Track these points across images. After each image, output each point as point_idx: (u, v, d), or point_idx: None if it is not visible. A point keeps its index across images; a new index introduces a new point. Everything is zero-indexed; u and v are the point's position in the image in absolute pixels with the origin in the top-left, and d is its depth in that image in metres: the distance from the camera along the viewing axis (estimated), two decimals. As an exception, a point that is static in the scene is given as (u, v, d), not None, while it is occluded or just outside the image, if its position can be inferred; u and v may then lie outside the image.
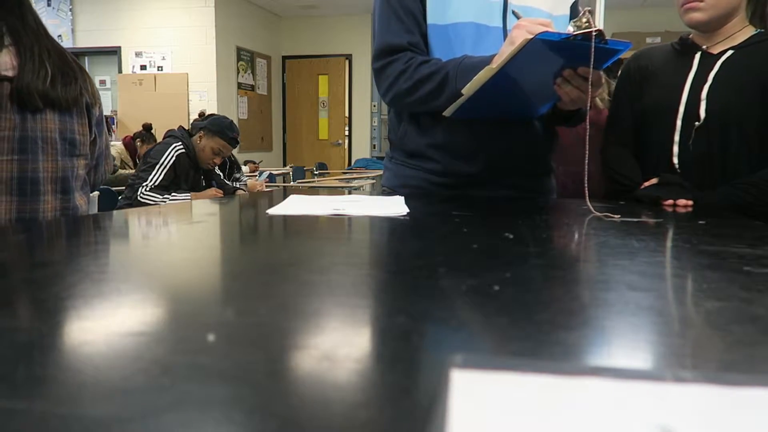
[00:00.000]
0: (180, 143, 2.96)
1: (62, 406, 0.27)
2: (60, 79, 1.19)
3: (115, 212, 1.18)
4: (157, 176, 2.86)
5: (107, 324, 0.40)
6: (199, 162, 3.06)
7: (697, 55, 1.37)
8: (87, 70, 1.33)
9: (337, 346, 0.36)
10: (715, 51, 1.35)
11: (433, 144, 1.35)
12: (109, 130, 3.59)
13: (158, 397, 0.28)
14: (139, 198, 2.83)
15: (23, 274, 0.57)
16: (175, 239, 0.85)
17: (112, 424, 0.25)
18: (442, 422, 0.21)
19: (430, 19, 1.32)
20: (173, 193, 2.88)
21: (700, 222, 0.91)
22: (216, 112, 5.10)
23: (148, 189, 2.84)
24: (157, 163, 2.88)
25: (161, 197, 2.85)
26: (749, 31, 1.34)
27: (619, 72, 1.63)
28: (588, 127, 1.07)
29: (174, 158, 2.91)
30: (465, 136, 1.32)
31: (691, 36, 1.43)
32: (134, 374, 0.31)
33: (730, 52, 1.33)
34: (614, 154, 1.49)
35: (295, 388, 0.30)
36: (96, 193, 2.88)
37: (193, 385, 0.29)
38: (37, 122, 1.16)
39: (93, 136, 1.32)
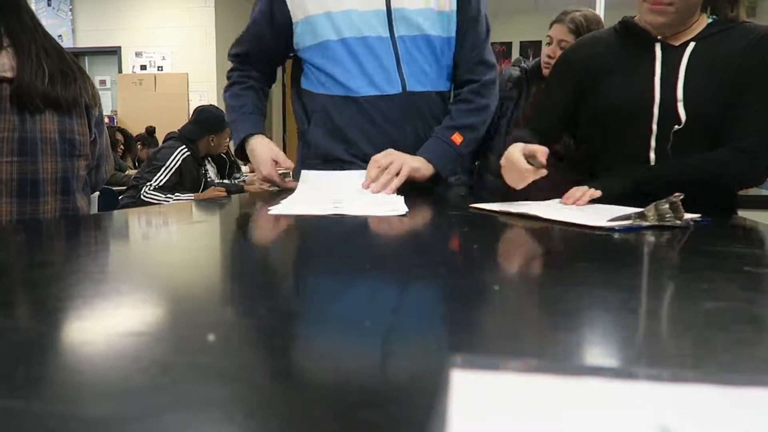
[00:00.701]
0: (185, 146, 3.01)
1: (62, 406, 0.27)
2: (59, 80, 1.19)
3: (115, 212, 1.18)
4: (162, 177, 2.90)
5: (107, 324, 0.40)
6: (212, 152, 3.21)
7: (658, 48, 1.24)
8: (87, 70, 1.33)
9: (337, 346, 0.36)
10: (676, 43, 1.23)
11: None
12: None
13: (158, 397, 0.28)
14: (142, 197, 2.86)
15: (23, 274, 0.57)
16: (175, 239, 0.85)
17: (112, 424, 0.25)
18: (442, 422, 0.21)
19: (326, 35, 1.37)
20: (177, 194, 2.91)
21: (701, 222, 0.91)
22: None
23: (151, 188, 2.87)
24: (162, 166, 2.92)
25: (164, 196, 2.87)
26: (704, 20, 1.23)
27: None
28: None
29: (180, 161, 2.96)
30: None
31: (636, 18, 1.28)
32: (134, 374, 0.31)
33: (692, 44, 1.21)
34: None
35: (295, 388, 0.30)
36: (96, 192, 2.89)
37: (193, 385, 0.29)
38: (36, 123, 1.16)
39: (93, 136, 1.32)
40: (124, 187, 3.63)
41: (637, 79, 1.25)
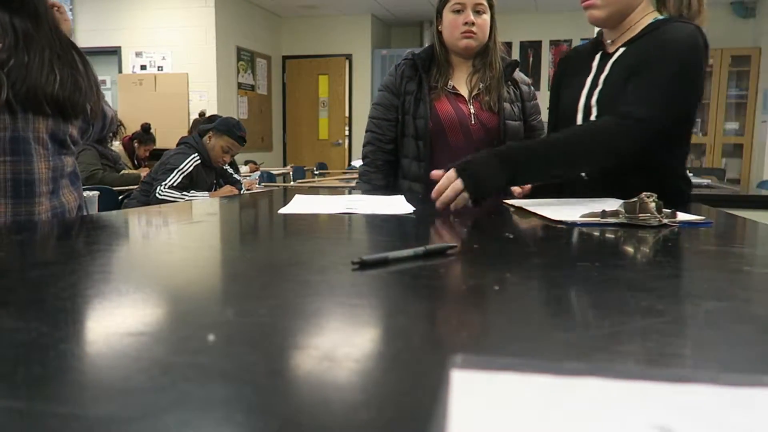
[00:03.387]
0: (196, 154, 3.06)
1: (62, 406, 0.27)
2: (69, 87, 1.15)
3: (115, 212, 1.18)
4: (175, 178, 2.94)
5: (107, 324, 0.40)
6: (211, 161, 3.17)
7: (597, 56, 1.30)
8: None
9: (337, 346, 0.36)
10: (612, 49, 1.27)
11: None
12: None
13: (158, 397, 0.28)
14: (158, 195, 2.88)
15: (23, 274, 0.57)
16: (175, 239, 0.85)
17: (112, 424, 0.25)
18: (442, 422, 0.21)
19: None
20: (192, 191, 2.95)
21: (703, 225, 0.91)
22: (216, 112, 5.14)
23: (167, 187, 2.90)
24: (175, 168, 2.96)
25: (180, 194, 2.90)
26: (648, 21, 1.22)
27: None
28: None
29: (192, 168, 3.00)
30: None
31: (600, 31, 1.34)
32: (134, 374, 0.31)
33: (621, 50, 1.24)
34: None
35: (295, 388, 0.30)
36: (96, 192, 2.89)
37: (193, 385, 0.29)
38: (28, 123, 1.12)
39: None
40: (124, 187, 3.63)
41: (575, 86, 1.32)
